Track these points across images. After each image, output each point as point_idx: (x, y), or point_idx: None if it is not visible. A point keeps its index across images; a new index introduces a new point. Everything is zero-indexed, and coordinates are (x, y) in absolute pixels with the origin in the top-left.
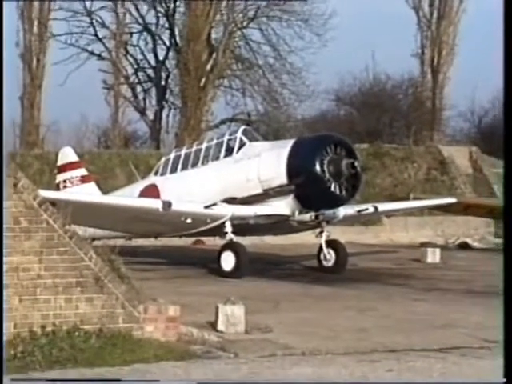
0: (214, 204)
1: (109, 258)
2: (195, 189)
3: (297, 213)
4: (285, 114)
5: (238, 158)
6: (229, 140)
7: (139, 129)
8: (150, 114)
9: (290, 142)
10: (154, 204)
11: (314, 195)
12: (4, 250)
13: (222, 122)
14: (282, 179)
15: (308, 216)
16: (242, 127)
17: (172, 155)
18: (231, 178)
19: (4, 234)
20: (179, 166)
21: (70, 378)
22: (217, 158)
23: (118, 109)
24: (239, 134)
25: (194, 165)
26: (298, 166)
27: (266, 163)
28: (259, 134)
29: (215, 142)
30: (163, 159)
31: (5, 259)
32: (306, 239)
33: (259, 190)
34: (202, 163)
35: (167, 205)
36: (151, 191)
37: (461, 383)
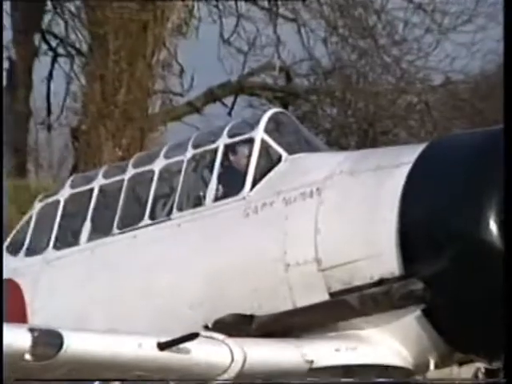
0: (192, 336)
1: None
2: (132, 291)
3: (432, 362)
4: (392, 72)
5: (256, 203)
6: (229, 148)
7: None
8: None
9: (407, 155)
10: (15, 339)
11: (487, 311)
12: (4, 251)
13: (211, 94)
14: (389, 262)
15: (471, 372)
16: (270, 112)
17: (64, 193)
18: (238, 260)
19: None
20: (86, 226)
21: (72, 378)
22: (196, 203)
23: None
24: (260, 132)
25: (130, 222)
26: (431, 222)
27: (340, 217)
28: (316, 129)
29: (191, 153)
30: (39, 206)
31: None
32: None
33: (319, 294)
34: (152, 216)
35: (48, 341)
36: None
37: (460, 383)
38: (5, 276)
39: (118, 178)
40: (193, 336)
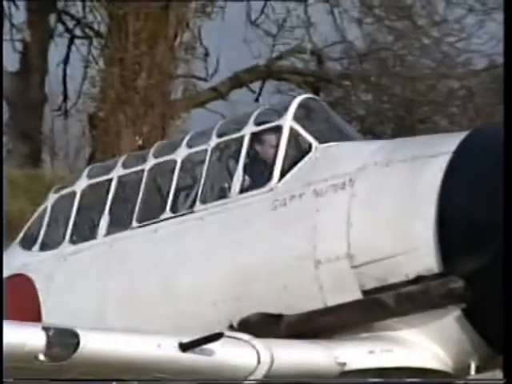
0: (216, 337)
1: None
2: (152, 288)
3: (473, 365)
4: (431, 55)
5: (284, 195)
6: (256, 136)
7: None
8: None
9: (446, 144)
10: (28, 338)
11: None
12: (4, 250)
13: (237, 78)
14: (427, 258)
15: None
16: (299, 98)
17: (80, 184)
18: (264, 256)
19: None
20: (103, 219)
21: (72, 377)
22: (220, 195)
23: None
24: (288, 120)
25: (151, 215)
26: (472, 215)
27: (374, 210)
28: (349, 116)
29: (215, 142)
30: (54, 197)
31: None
32: None
33: (351, 292)
34: (173, 209)
35: (64, 340)
36: (16, 298)
37: (459, 382)
38: (17, 271)
39: (137, 168)
40: (217, 336)
